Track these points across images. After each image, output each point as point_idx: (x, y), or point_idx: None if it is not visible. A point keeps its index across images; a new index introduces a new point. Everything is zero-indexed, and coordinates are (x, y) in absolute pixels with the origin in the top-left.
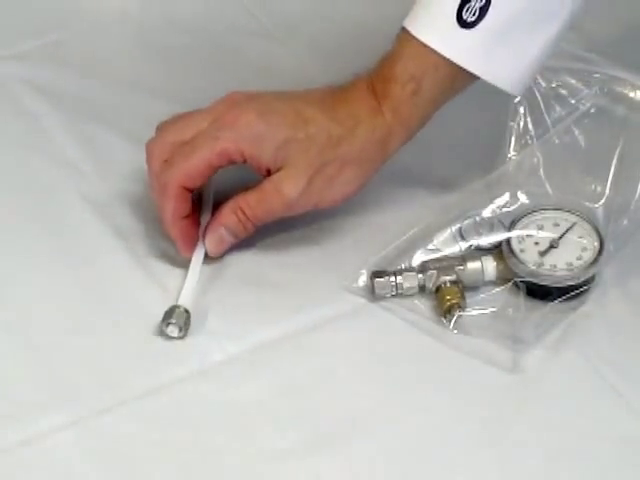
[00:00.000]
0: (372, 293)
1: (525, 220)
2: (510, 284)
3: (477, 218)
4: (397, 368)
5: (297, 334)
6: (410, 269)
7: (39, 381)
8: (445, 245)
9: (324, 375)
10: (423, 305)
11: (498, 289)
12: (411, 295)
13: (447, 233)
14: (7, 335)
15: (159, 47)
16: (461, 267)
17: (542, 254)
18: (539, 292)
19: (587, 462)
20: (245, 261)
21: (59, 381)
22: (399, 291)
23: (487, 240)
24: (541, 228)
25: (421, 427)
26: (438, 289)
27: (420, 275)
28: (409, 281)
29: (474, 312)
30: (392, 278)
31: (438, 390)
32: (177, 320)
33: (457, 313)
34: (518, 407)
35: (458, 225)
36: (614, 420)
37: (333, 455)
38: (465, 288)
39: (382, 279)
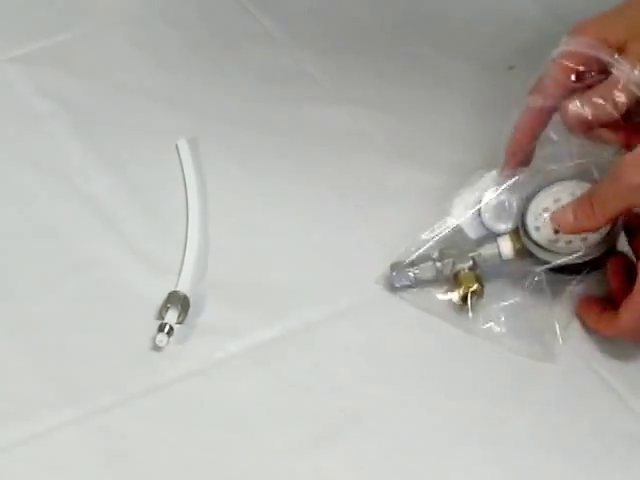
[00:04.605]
0: (392, 285)
1: (542, 194)
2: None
3: (495, 199)
4: (397, 366)
5: (298, 332)
6: (427, 258)
7: (40, 380)
8: (464, 229)
9: (325, 373)
10: (428, 302)
11: (518, 276)
12: (430, 285)
13: (465, 217)
14: (9, 334)
15: (160, 48)
16: (477, 252)
17: (557, 231)
18: (559, 269)
19: (586, 461)
20: (246, 259)
21: (60, 380)
22: (417, 281)
23: (505, 222)
24: (558, 201)
25: (421, 425)
26: (455, 277)
27: (438, 264)
28: (426, 271)
29: (499, 304)
30: (410, 269)
31: (438, 388)
32: (176, 304)
33: (474, 300)
34: (517, 407)
35: (477, 208)
36: (612, 419)
37: (333, 452)
38: (483, 272)
39: (400, 271)
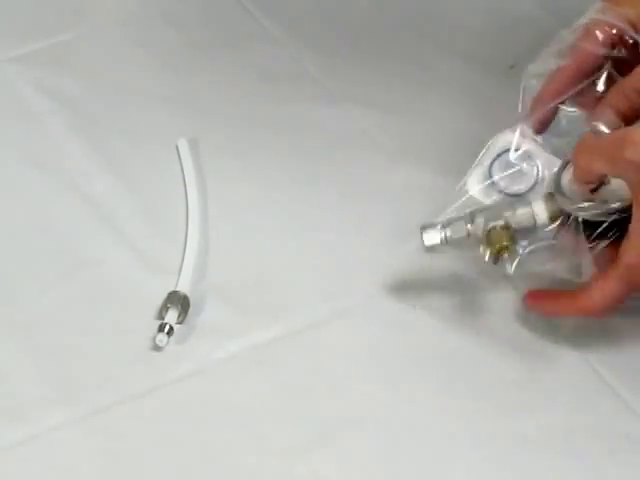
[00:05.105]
0: (423, 246)
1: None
2: (567, 221)
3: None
4: (398, 367)
5: (298, 332)
6: (458, 219)
7: (40, 380)
8: (476, 196)
9: (325, 373)
10: (431, 303)
11: (553, 225)
12: (460, 246)
13: (479, 183)
14: (9, 334)
15: (160, 48)
16: (509, 213)
17: (593, 191)
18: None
19: (585, 461)
20: (246, 259)
21: (60, 380)
22: (449, 241)
23: (519, 184)
24: None
25: (421, 425)
26: (487, 235)
27: (469, 225)
28: (458, 231)
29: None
30: (441, 229)
31: (438, 389)
32: (176, 304)
33: (506, 256)
34: (517, 407)
35: (489, 171)
36: (612, 419)
37: (333, 452)
38: (517, 234)
39: (431, 230)
